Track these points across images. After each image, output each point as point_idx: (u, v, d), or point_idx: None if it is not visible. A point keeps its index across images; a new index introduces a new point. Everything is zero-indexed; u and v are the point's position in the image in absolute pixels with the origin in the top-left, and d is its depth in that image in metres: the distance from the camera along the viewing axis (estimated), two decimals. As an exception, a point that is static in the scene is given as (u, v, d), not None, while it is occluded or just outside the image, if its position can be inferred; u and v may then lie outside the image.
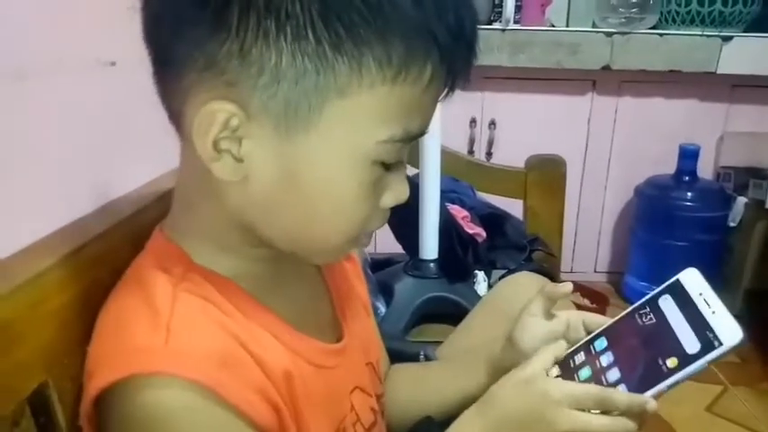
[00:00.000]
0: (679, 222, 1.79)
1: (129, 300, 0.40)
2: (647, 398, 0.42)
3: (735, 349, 0.41)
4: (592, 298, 1.78)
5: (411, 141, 0.40)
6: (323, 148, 0.38)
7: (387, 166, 0.40)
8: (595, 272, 2.08)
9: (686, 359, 0.42)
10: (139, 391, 0.35)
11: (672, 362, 0.43)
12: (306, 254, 0.45)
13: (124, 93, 0.64)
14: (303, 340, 0.45)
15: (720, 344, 0.41)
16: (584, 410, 0.43)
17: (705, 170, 1.90)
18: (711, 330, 0.42)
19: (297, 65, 0.35)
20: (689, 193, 1.79)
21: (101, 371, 0.37)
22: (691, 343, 0.43)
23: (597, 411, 0.43)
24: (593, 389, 0.44)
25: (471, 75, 0.41)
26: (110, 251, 0.45)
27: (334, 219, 0.41)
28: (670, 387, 0.42)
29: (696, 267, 0.46)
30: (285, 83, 0.36)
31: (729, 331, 0.41)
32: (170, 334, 0.37)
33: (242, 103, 0.37)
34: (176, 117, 0.40)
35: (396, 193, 0.43)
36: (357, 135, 0.38)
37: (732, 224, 1.78)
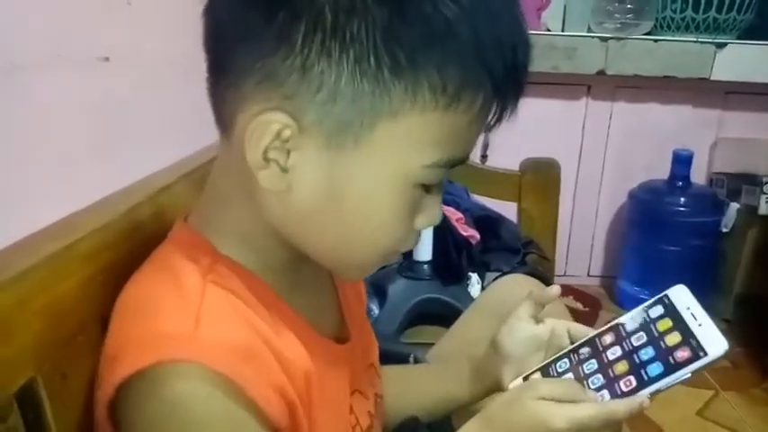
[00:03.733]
0: (672, 227, 1.80)
1: (157, 286, 0.40)
2: (642, 398, 0.42)
3: (719, 360, 0.42)
4: (584, 302, 1.78)
5: (453, 167, 0.41)
6: (369, 165, 0.39)
7: (426, 189, 0.42)
8: (588, 276, 2.09)
9: (670, 368, 0.42)
10: (167, 379, 0.35)
11: (655, 370, 0.43)
12: (340, 269, 0.47)
13: (118, 88, 0.64)
14: (320, 340, 0.46)
15: (705, 354, 0.42)
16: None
17: (698, 176, 1.91)
18: (697, 341, 0.43)
19: (355, 85, 0.36)
20: (682, 199, 1.80)
21: (127, 356, 0.37)
22: (675, 352, 0.43)
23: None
24: (595, 411, 0.43)
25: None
26: (102, 247, 0.45)
27: (372, 237, 0.42)
28: (652, 395, 0.42)
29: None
30: (342, 101, 0.37)
31: (714, 342, 0.42)
32: (199, 323, 0.37)
33: (296, 116, 0.37)
34: (226, 121, 0.41)
35: (429, 217, 0.44)
36: (403, 157, 0.39)
37: (725, 230, 1.79)
